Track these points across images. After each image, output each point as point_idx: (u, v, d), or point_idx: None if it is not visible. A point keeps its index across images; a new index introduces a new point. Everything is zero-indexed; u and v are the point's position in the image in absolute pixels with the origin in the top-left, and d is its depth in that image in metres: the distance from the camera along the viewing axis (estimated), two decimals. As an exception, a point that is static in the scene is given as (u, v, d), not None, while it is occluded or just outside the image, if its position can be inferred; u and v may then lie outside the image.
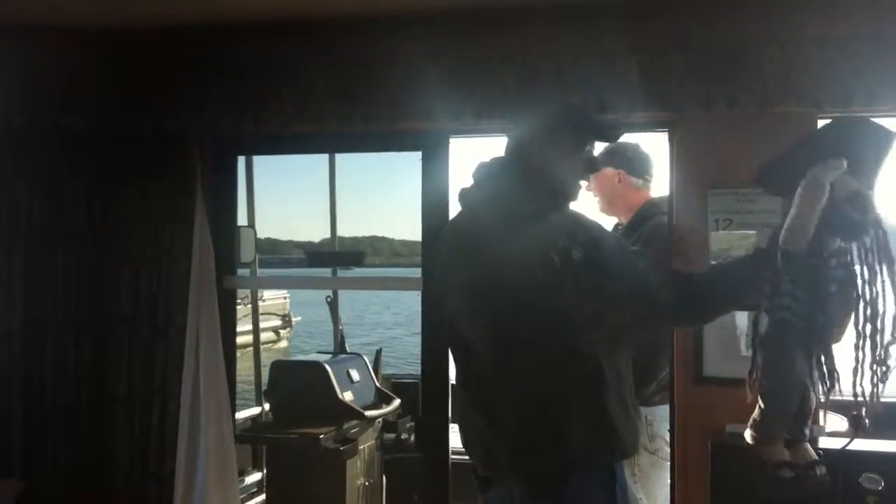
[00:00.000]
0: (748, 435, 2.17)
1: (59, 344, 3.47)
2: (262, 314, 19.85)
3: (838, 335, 2.05)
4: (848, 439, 2.56)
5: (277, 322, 23.35)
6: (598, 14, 2.97)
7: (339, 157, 5.20)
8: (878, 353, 2.00)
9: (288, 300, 25.30)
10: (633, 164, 3.55)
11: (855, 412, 2.57)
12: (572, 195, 2.25)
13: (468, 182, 2.29)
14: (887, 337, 1.99)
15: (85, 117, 3.42)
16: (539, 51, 3.01)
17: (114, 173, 3.48)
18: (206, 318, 3.42)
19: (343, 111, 3.20)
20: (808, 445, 2.15)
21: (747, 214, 2.87)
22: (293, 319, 25.79)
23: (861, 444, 2.54)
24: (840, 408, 3.18)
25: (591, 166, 2.26)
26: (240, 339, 3.78)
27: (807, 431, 2.18)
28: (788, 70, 2.81)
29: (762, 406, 2.14)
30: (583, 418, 2.08)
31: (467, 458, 2.32)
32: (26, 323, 3.43)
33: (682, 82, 2.89)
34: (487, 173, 2.27)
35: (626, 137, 3.46)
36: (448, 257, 2.19)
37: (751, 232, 2.87)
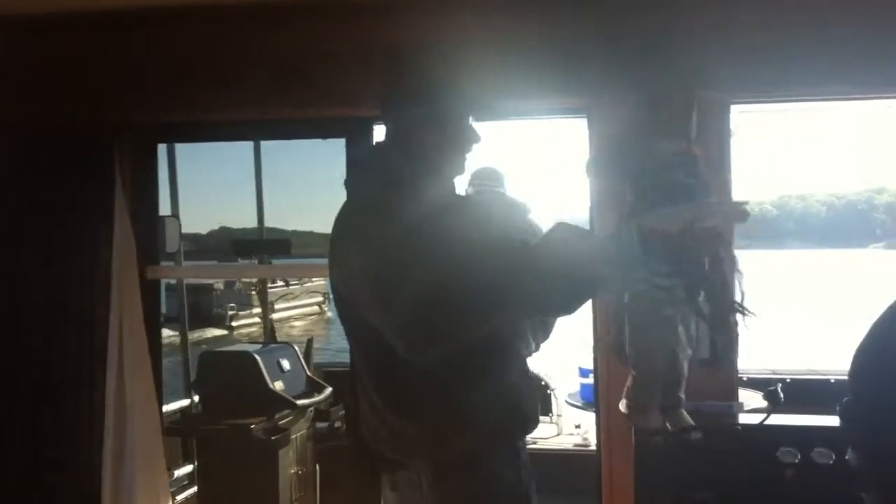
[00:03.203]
0: (622, 405, 2.24)
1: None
2: (310, 293, 27.97)
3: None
4: (765, 415, 2.64)
5: (320, 298, 30.32)
6: (514, 1, 2.98)
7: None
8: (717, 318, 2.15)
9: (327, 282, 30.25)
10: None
11: (771, 388, 2.67)
12: (458, 169, 2.27)
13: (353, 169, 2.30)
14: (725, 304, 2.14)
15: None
16: (456, 38, 3.00)
17: (30, 164, 3.38)
18: (129, 309, 3.36)
19: (264, 97, 3.18)
20: (683, 411, 2.26)
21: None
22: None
23: (778, 420, 2.62)
24: (756, 384, 3.28)
25: (474, 138, 2.25)
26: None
27: (681, 396, 2.28)
28: (701, 57, 2.86)
29: (633, 374, 2.24)
30: (488, 396, 2.07)
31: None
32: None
33: (597, 68, 2.93)
34: (382, 151, 2.28)
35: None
36: (339, 242, 2.14)
37: None
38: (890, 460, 1.65)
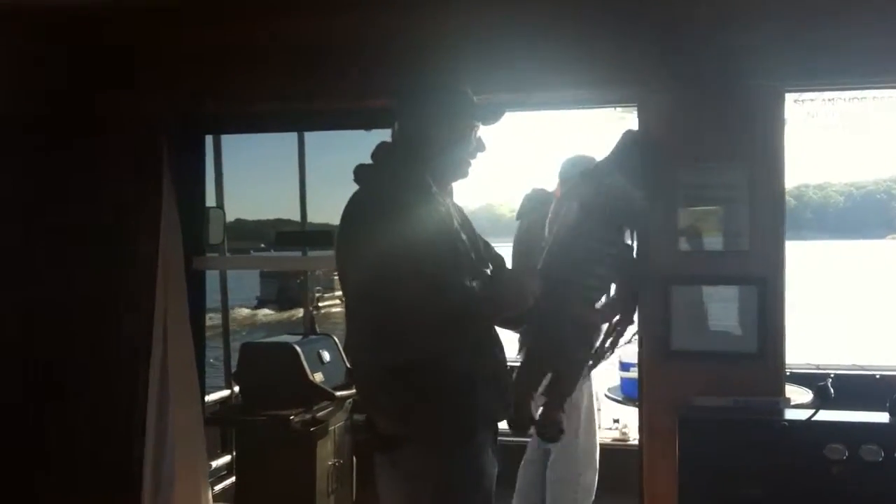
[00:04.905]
0: (542, 402, 2.56)
1: (24, 330, 3.43)
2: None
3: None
4: (813, 410, 2.61)
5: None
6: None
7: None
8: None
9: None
10: None
11: (821, 383, 2.64)
12: (463, 174, 2.40)
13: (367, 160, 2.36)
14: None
15: (45, 105, 3.38)
16: (505, 24, 3.01)
17: (78, 157, 3.43)
18: (174, 301, 3.39)
19: (306, 88, 3.20)
20: (561, 411, 2.65)
21: (714, 189, 2.89)
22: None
23: (826, 416, 2.59)
24: (804, 380, 3.25)
25: (480, 147, 2.36)
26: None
27: (563, 394, 2.68)
28: (754, 45, 2.84)
29: (551, 375, 2.53)
30: (485, 377, 2.24)
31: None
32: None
33: (648, 58, 2.91)
34: (387, 153, 2.35)
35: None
36: (354, 230, 2.25)
37: (714, 208, 2.90)
38: None
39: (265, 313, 31.70)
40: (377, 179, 2.28)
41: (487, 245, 2.48)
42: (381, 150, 2.35)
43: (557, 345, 2.69)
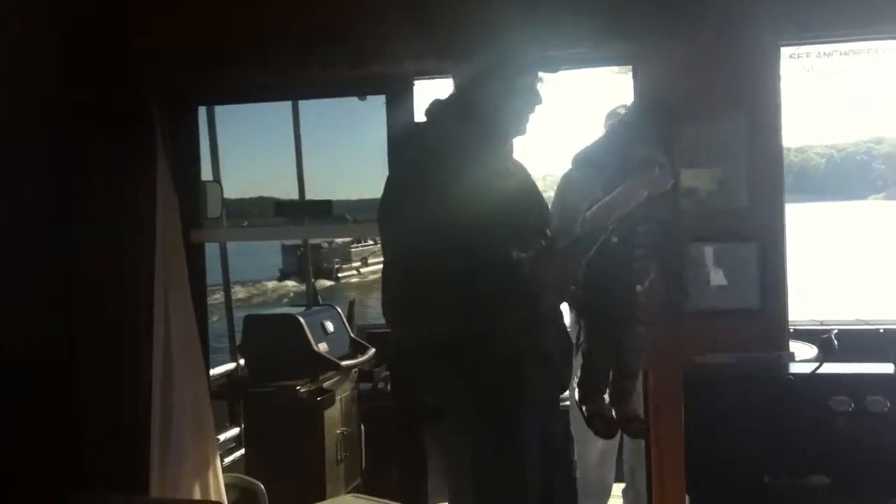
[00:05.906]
0: (575, 392, 2.42)
1: (26, 311, 3.41)
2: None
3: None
4: (817, 364, 2.60)
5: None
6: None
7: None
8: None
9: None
10: None
11: (825, 336, 2.63)
12: (521, 130, 2.30)
13: (421, 118, 2.32)
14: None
15: (37, 77, 3.32)
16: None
17: (69, 131, 3.38)
18: (175, 273, 3.37)
19: (302, 56, 3.14)
20: (633, 402, 2.44)
21: (711, 146, 2.86)
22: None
23: (830, 368, 2.58)
24: (808, 336, 3.24)
25: (537, 99, 2.27)
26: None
27: (633, 387, 2.46)
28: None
29: (583, 364, 2.37)
30: (534, 356, 2.19)
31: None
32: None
33: (643, 12, 2.86)
34: (441, 109, 2.30)
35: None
36: (392, 196, 2.19)
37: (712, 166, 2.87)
38: None
39: (292, 285, 32.47)
40: (425, 140, 2.23)
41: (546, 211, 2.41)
42: (433, 108, 2.30)
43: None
